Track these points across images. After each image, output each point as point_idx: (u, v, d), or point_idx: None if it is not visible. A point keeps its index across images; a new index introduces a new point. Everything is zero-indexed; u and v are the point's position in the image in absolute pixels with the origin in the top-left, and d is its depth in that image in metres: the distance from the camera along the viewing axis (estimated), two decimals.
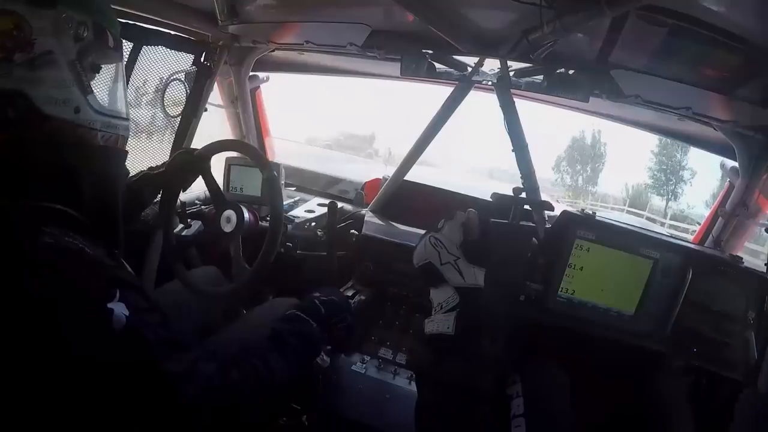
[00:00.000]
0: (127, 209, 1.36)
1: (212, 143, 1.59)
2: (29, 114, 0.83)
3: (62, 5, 0.86)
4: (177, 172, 1.55)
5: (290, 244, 1.92)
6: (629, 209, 27.67)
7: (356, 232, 1.96)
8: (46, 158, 0.85)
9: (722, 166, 2.03)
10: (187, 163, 1.56)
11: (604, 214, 1.68)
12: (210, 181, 1.58)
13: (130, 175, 1.47)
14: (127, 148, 1.08)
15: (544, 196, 1.98)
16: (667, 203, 36.29)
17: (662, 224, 21.00)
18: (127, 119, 1.05)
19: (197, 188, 1.65)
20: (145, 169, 1.56)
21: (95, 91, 0.94)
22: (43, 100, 0.84)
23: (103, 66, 0.96)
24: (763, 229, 1.86)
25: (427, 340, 0.98)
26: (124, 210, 1.11)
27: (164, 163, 1.57)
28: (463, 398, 0.93)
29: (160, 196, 1.59)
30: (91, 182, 0.91)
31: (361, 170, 3.28)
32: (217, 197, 1.58)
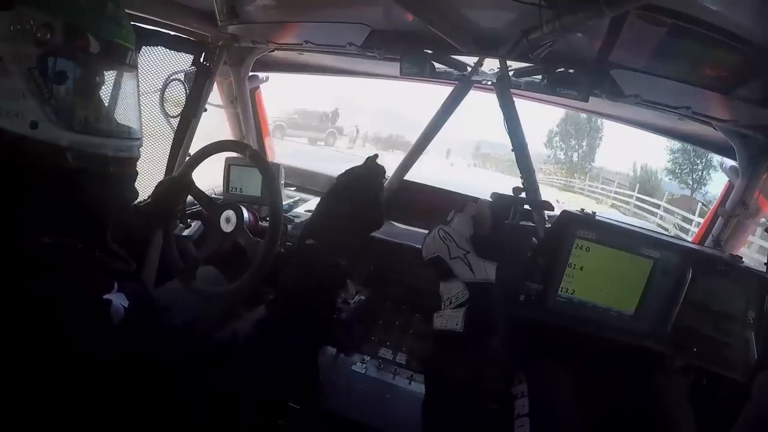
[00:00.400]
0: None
1: (191, 157, 1.59)
2: None
3: (21, 5, 0.77)
4: (162, 200, 1.51)
5: (290, 244, 1.91)
6: (640, 197, 22.04)
7: None
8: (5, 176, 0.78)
9: (722, 165, 2.04)
10: (169, 189, 1.52)
11: (601, 211, 1.67)
12: (197, 194, 1.56)
13: None
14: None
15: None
16: (692, 193, 28.05)
17: (690, 222, 15.71)
18: (123, 138, 0.94)
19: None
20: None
21: (64, 103, 0.83)
22: None
23: (78, 74, 0.85)
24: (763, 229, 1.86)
25: (435, 336, 0.96)
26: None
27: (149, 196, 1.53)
28: (471, 397, 0.92)
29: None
30: (66, 210, 0.83)
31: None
32: (210, 205, 1.57)
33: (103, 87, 0.92)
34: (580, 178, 32.34)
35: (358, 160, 1.08)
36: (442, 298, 0.98)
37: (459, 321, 0.92)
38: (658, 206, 19.36)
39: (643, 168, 34.67)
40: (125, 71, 0.97)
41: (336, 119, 25.61)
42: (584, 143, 39.21)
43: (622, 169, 38.73)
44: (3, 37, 0.77)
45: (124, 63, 0.93)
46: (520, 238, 1.30)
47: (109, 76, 0.94)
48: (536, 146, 37.39)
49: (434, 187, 2.18)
